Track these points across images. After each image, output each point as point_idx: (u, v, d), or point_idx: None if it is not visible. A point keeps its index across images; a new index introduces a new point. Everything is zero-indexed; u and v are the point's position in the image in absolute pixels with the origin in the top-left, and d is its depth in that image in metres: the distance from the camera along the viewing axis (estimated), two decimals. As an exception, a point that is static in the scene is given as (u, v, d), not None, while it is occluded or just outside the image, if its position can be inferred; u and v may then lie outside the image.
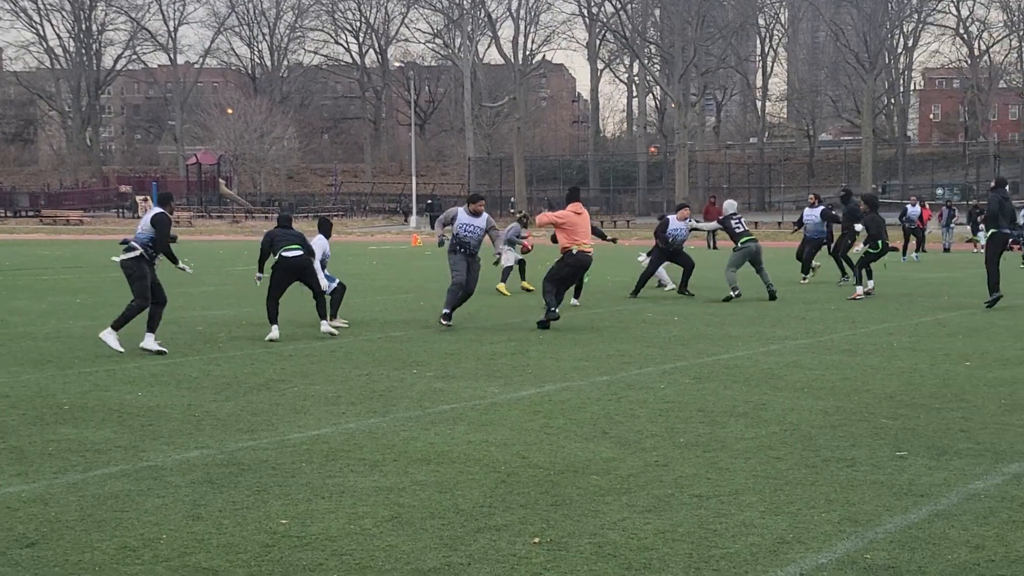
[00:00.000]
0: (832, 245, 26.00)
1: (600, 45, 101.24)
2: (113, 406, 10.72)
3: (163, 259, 15.24)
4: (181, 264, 15.30)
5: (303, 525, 6.80)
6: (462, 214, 17.91)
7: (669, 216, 23.78)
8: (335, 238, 17.80)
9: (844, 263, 25.49)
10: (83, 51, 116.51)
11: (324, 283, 16.99)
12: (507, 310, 20.18)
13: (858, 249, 22.97)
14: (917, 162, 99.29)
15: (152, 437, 9.31)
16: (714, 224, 23.27)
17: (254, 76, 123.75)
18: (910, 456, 8.50)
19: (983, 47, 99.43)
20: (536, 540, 6.49)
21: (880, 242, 22.47)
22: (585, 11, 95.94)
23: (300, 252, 16.52)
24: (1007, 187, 22.17)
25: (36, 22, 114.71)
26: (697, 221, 23.95)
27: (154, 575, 5.96)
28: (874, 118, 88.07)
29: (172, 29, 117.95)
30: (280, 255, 16.52)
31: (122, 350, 14.21)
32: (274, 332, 16.07)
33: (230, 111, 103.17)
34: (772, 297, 21.77)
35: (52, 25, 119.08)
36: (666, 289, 24.38)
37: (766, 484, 7.72)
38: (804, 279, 26.06)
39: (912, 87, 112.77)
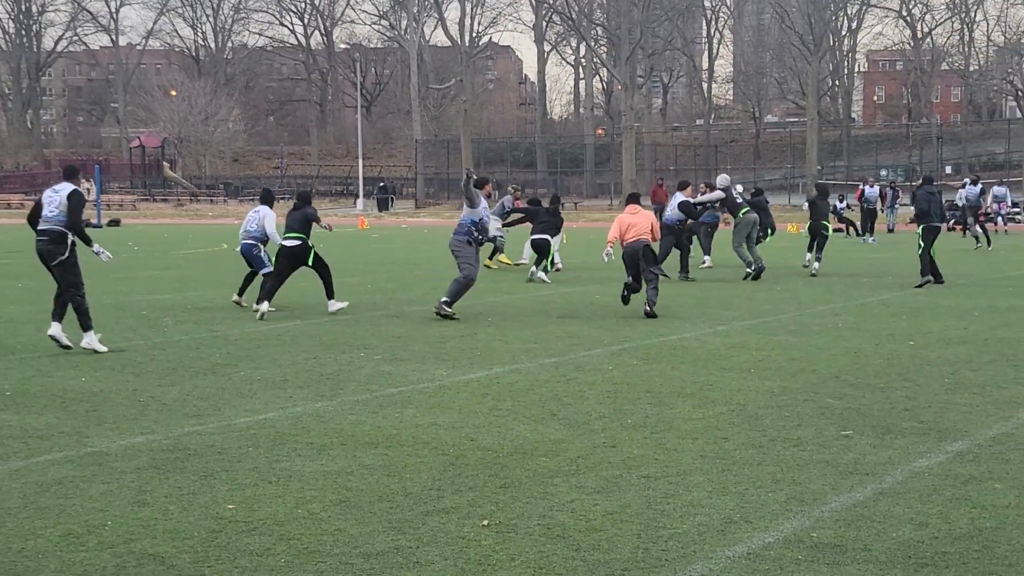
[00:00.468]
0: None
1: (547, 27, 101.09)
2: (56, 392, 10.61)
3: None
4: (96, 248, 13.72)
5: (250, 510, 6.76)
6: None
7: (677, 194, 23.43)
8: (283, 221, 17.94)
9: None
10: (23, 32, 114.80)
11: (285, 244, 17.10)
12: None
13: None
14: (861, 143, 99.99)
15: (96, 423, 9.22)
16: (718, 194, 23.30)
17: (198, 58, 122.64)
18: (855, 435, 8.58)
19: (926, 29, 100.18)
20: (485, 523, 6.49)
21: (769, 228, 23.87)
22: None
23: (298, 242, 16.92)
24: (934, 183, 22.84)
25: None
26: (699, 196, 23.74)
27: (99, 562, 5.90)
28: (819, 100, 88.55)
29: (114, 10, 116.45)
30: (281, 243, 17.06)
31: (105, 349, 13.15)
32: (264, 306, 16.38)
33: (174, 93, 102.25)
34: (757, 276, 22.13)
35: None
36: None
37: (713, 464, 7.76)
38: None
39: (856, 69, 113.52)
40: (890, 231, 44.21)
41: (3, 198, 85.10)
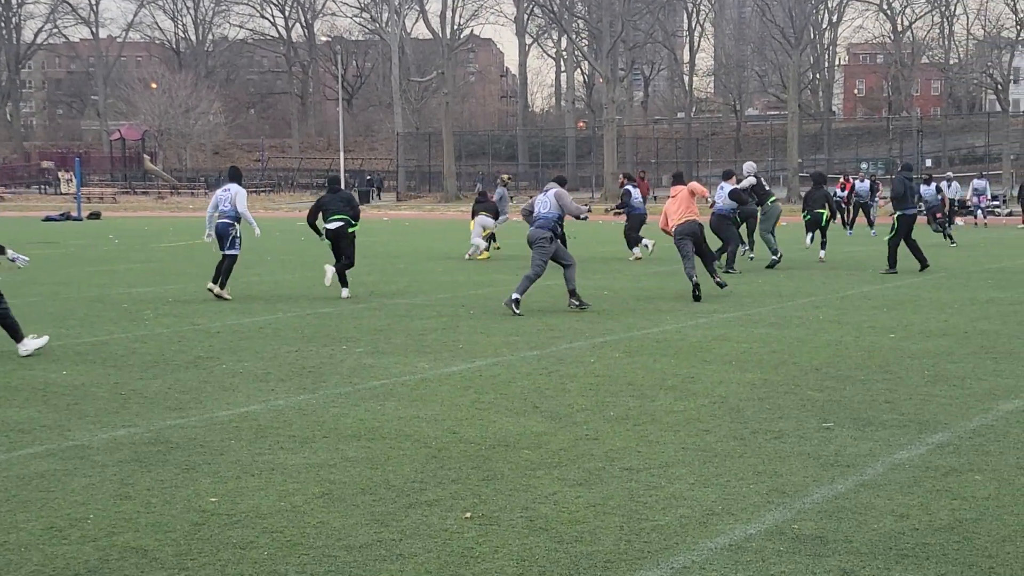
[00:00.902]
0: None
1: (528, 20, 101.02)
2: (37, 385, 10.58)
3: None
4: (11, 255, 13.24)
5: (233, 503, 6.76)
6: (540, 194, 16.98)
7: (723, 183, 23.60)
8: (265, 214, 18.12)
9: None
10: (2, 25, 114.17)
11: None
12: (437, 286, 20.15)
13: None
14: (842, 136, 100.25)
15: (78, 416, 9.20)
16: (751, 181, 23.60)
17: (178, 50, 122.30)
18: (836, 427, 8.61)
19: (906, 23, 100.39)
20: (468, 515, 6.50)
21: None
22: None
23: (340, 223, 18.37)
24: (912, 169, 23.37)
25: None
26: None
27: (82, 555, 5.89)
28: (800, 93, 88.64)
29: (94, 2, 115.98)
30: (326, 226, 18.50)
31: (42, 343, 12.63)
32: (328, 276, 18.35)
33: (154, 86, 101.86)
34: (772, 265, 23.00)
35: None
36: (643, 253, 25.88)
37: (695, 456, 7.78)
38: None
39: (837, 62, 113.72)
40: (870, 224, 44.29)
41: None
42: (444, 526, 6.30)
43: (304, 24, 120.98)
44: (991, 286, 19.40)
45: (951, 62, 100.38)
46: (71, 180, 64.15)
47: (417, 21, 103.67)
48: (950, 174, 46.30)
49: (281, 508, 6.65)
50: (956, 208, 44.28)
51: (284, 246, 31.04)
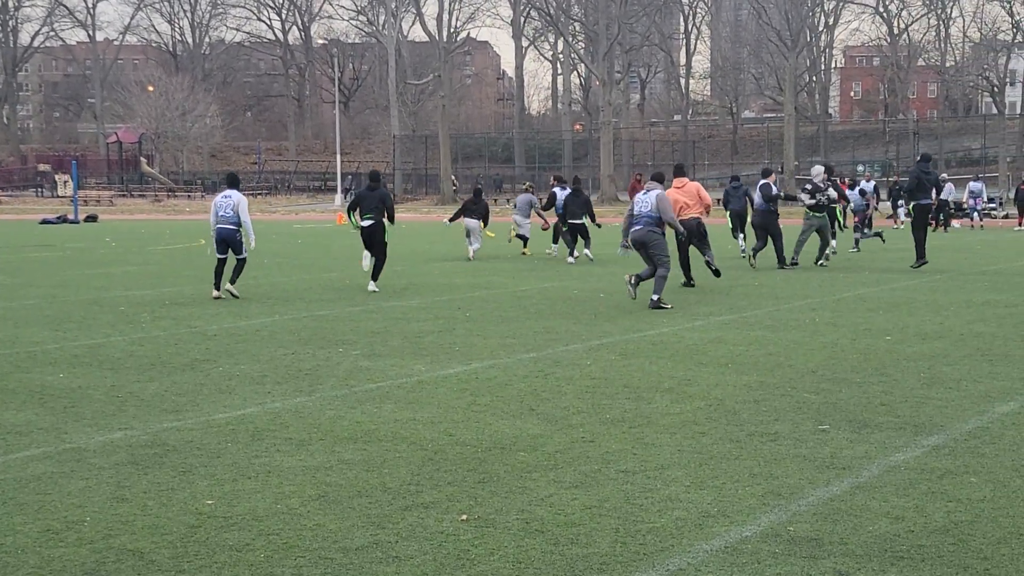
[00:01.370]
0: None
1: (524, 22, 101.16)
2: (34, 388, 10.58)
3: None
4: None
5: (229, 505, 6.77)
6: (640, 194, 17.50)
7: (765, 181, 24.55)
8: (262, 217, 18.30)
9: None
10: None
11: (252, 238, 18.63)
12: (434, 288, 20.16)
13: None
14: (838, 139, 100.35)
15: (75, 419, 9.20)
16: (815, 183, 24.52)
17: (175, 53, 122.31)
18: (832, 430, 8.62)
19: (902, 25, 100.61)
20: (464, 517, 6.50)
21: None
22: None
23: (373, 222, 19.49)
24: (930, 162, 23.31)
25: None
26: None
27: (78, 558, 5.90)
28: (796, 95, 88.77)
29: (91, 5, 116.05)
30: (361, 224, 19.75)
31: None
32: (365, 262, 20.17)
33: (151, 88, 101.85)
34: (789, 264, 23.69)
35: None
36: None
37: (691, 459, 7.79)
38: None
39: (833, 65, 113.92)
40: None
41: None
42: (440, 528, 6.31)
43: (301, 27, 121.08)
44: (987, 288, 19.42)
45: (947, 65, 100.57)
46: (68, 183, 64.09)
47: (414, 24, 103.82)
48: (944, 175, 46.36)
49: (277, 511, 6.66)
50: (952, 210, 44.38)
51: (280, 249, 31.04)
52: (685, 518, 6.47)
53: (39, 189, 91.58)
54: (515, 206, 29.62)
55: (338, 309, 16.99)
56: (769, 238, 24.09)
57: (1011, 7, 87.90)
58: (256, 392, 10.34)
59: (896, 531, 6.20)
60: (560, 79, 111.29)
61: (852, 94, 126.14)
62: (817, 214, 23.80)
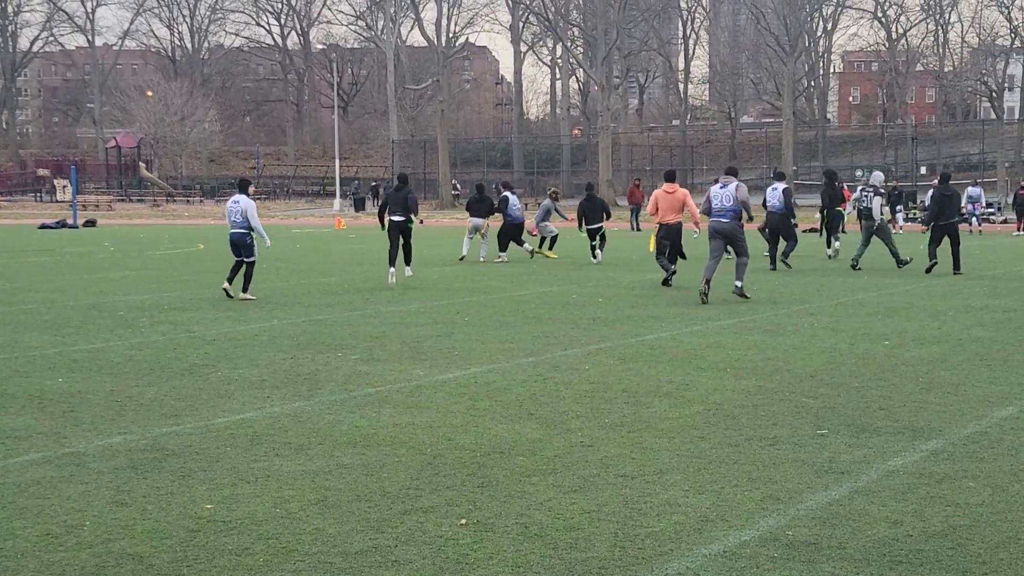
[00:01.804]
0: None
1: (523, 27, 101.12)
2: (34, 392, 10.58)
3: None
4: None
5: (228, 509, 6.77)
6: (715, 188, 18.90)
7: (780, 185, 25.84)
8: (260, 221, 18.56)
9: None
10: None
11: (265, 239, 19.34)
12: (432, 293, 20.17)
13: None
14: (837, 144, 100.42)
15: (74, 423, 9.21)
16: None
17: (174, 58, 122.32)
18: (830, 434, 8.63)
19: (901, 31, 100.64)
20: (463, 521, 6.51)
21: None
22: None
23: (401, 218, 22.28)
24: (949, 180, 24.19)
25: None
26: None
27: (78, 562, 5.90)
28: (794, 100, 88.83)
29: (90, 10, 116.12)
30: (390, 217, 22.42)
31: None
32: (391, 277, 21.65)
33: (150, 93, 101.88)
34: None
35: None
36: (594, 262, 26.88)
37: (690, 463, 7.80)
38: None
39: (832, 70, 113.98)
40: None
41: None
42: (439, 533, 6.32)
43: (300, 32, 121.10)
44: (985, 293, 19.44)
45: (946, 70, 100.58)
46: (67, 187, 64.13)
47: (412, 29, 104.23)
48: (936, 182, 46.45)
49: (276, 515, 6.66)
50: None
51: (279, 253, 31.04)
52: (684, 522, 6.48)
53: (38, 194, 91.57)
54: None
55: (337, 314, 17.00)
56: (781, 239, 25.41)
57: (1009, 12, 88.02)
58: (255, 397, 10.35)
59: (895, 535, 6.21)
60: (559, 84, 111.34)
61: (851, 99, 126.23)
62: (869, 220, 24.55)
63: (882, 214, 24.47)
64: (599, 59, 77.90)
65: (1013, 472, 7.53)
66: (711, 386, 10.69)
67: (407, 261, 22.76)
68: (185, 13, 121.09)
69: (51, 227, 53.35)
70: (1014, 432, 8.70)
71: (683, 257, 22.08)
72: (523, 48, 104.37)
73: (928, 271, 23.11)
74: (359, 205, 77.34)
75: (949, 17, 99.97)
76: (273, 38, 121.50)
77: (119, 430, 8.95)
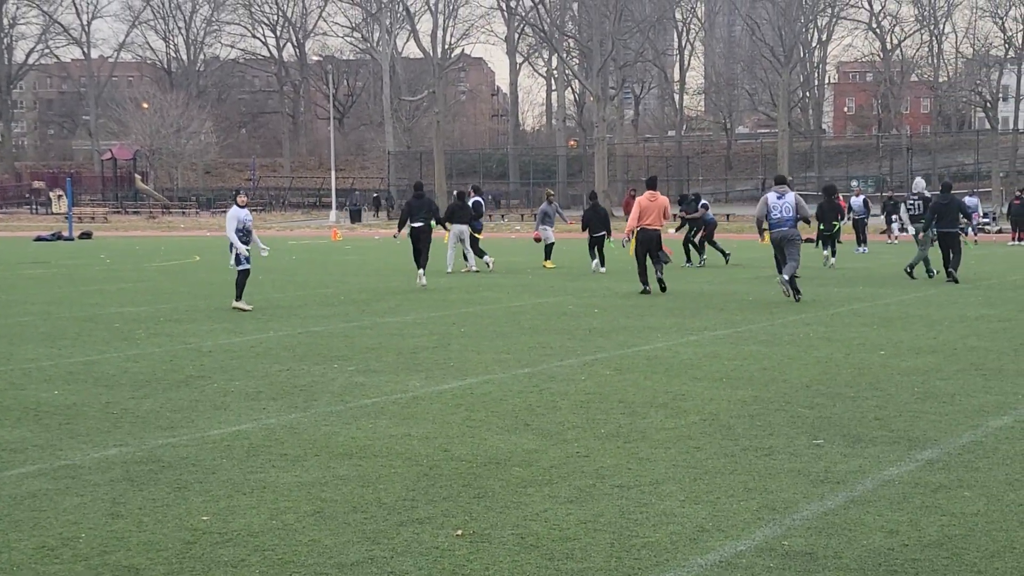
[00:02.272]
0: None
1: (519, 39, 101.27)
2: (29, 405, 10.58)
3: None
4: None
5: (224, 521, 6.77)
6: (772, 198, 20.26)
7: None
8: (256, 233, 18.56)
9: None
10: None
11: (244, 251, 19.09)
12: (428, 304, 20.17)
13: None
14: (832, 154, 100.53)
15: (69, 436, 9.20)
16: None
17: (170, 70, 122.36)
18: (826, 444, 8.64)
19: (895, 41, 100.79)
20: (459, 532, 6.51)
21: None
22: (503, 5, 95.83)
23: (421, 224, 23.93)
24: (950, 190, 24.53)
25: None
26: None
27: (73, 574, 5.90)
28: (790, 111, 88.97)
29: (86, 23, 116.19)
30: (411, 224, 24.05)
31: None
32: (422, 279, 23.18)
33: (146, 105, 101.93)
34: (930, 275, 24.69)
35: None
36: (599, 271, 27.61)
37: (686, 473, 7.80)
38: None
39: (827, 80, 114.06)
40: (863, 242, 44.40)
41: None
42: (435, 543, 6.32)
43: (295, 44, 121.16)
44: (980, 303, 19.46)
45: (940, 80, 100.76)
46: (61, 196, 64.12)
47: (408, 40, 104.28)
48: (927, 193, 46.54)
49: (273, 526, 6.66)
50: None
51: (275, 265, 31.04)
52: (680, 533, 6.48)
53: (34, 206, 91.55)
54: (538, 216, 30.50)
55: (333, 325, 17.00)
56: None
57: (1003, 23, 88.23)
58: (251, 408, 10.35)
59: (890, 545, 6.22)
60: (554, 95, 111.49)
61: (846, 109, 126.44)
62: (918, 225, 24.99)
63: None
64: (595, 70, 78.02)
65: (1008, 482, 7.54)
66: (707, 396, 10.70)
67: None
68: (181, 25, 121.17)
69: (47, 239, 53.35)
70: (1009, 442, 8.71)
71: (666, 261, 22.83)
72: (519, 59, 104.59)
73: (930, 276, 24.03)
74: (355, 216, 77.35)
75: (943, 28, 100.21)
76: (269, 50, 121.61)
77: (115, 442, 8.94)
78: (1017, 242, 43.65)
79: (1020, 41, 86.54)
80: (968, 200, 46.54)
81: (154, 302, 21.00)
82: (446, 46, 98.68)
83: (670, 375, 12.00)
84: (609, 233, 27.85)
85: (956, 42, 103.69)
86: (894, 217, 45.45)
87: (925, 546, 6.20)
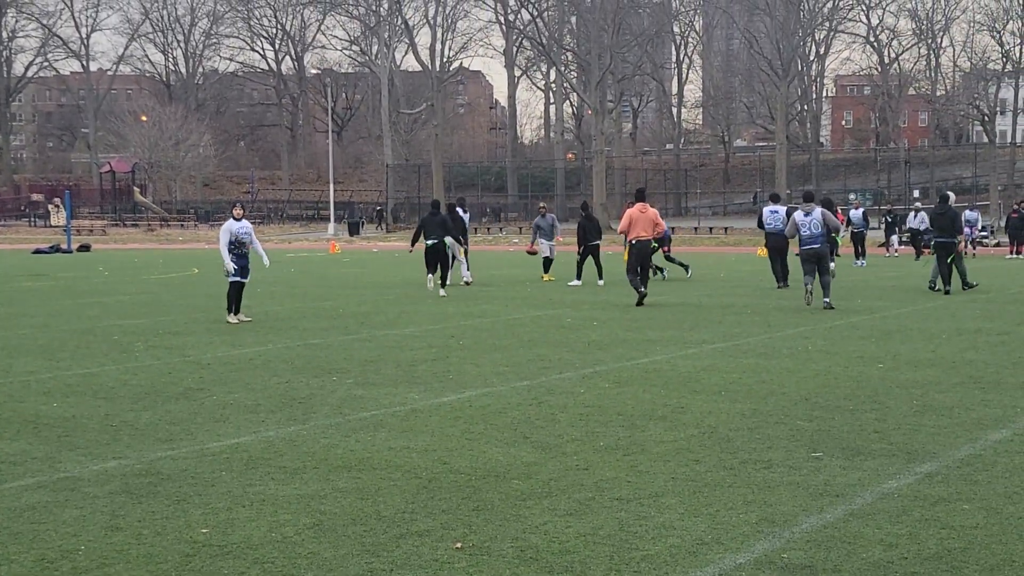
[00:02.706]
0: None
1: (517, 52, 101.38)
2: (28, 417, 10.57)
3: None
4: None
5: (224, 534, 6.77)
6: (800, 216, 21.29)
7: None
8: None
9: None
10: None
11: (230, 267, 19.09)
12: (427, 317, 20.18)
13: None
14: (830, 167, 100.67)
15: (69, 448, 9.20)
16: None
17: (169, 83, 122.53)
18: (825, 457, 8.64)
19: (893, 55, 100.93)
20: (458, 545, 6.51)
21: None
22: (502, 18, 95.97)
23: (436, 240, 24.50)
24: (949, 201, 24.66)
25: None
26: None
27: (73, 587, 5.90)
28: (787, 124, 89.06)
29: (85, 36, 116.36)
30: (426, 241, 24.68)
31: None
32: (429, 283, 24.81)
33: (144, 118, 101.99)
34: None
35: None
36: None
37: (685, 486, 7.80)
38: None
39: (824, 94, 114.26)
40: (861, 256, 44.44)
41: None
42: (435, 556, 6.32)
43: (294, 57, 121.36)
44: (979, 316, 19.47)
45: (938, 94, 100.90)
46: (59, 207, 64.24)
47: (407, 54, 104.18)
48: (918, 204, 46.74)
49: (272, 539, 6.66)
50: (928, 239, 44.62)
51: (274, 277, 31.05)
52: (679, 545, 6.48)
53: (32, 219, 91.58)
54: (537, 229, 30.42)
55: (331, 338, 17.00)
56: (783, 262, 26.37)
57: (1001, 37, 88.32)
58: (250, 421, 10.34)
59: (890, 558, 6.22)
60: (553, 108, 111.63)
61: (843, 123, 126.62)
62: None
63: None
64: (593, 83, 78.10)
65: (1007, 495, 7.54)
66: (706, 409, 10.70)
67: (443, 283, 25.01)
68: (180, 38, 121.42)
69: (45, 252, 53.37)
70: (1008, 455, 8.71)
71: (654, 273, 23.60)
72: (517, 72, 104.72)
73: (932, 288, 24.37)
74: (353, 229, 77.37)
75: (941, 41, 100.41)
76: (267, 63, 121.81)
77: (114, 455, 8.94)
78: (1015, 255, 43.68)
79: (1018, 54, 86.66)
80: (968, 214, 46.60)
81: (153, 315, 21.00)
82: (445, 59, 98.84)
83: (669, 388, 12.00)
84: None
85: (954, 56, 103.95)
86: (895, 231, 45.61)
87: (924, 559, 6.20)
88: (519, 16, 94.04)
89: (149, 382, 12.71)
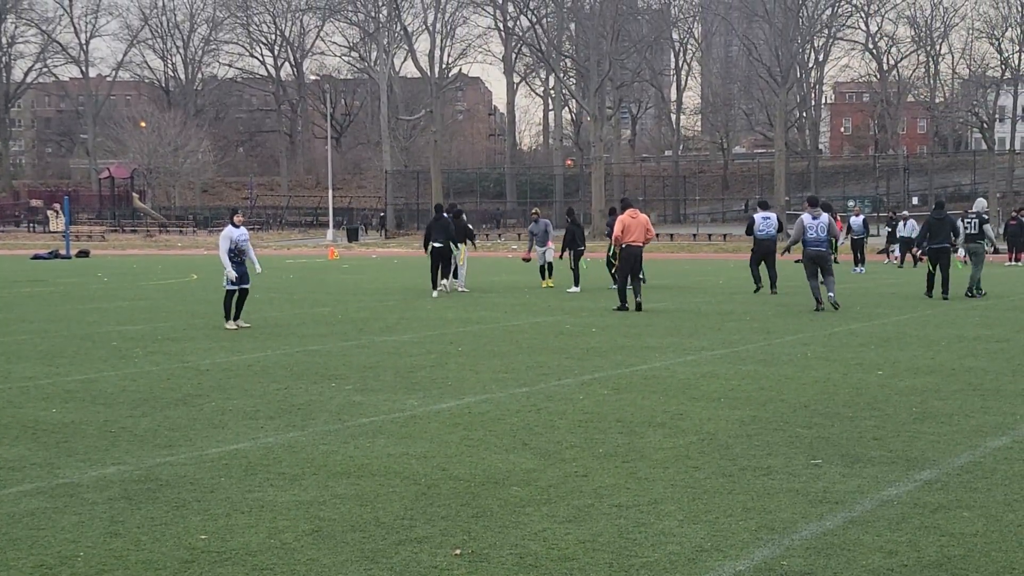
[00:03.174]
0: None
1: (516, 59, 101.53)
2: (27, 423, 10.56)
3: None
4: None
5: (223, 540, 6.76)
6: (808, 219, 22.14)
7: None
8: (254, 252, 18.63)
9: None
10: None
11: (232, 275, 19.20)
12: (426, 323, 20.18)
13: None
14: (829, 174, 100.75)
15: (67, 454, 9.19)
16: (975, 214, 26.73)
17: (168, 89, 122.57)
18: (825, 464, 8.63)
19: (892, 62, 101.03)
20: (457, 552, 6.50)
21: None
22: (501, 25, 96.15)
23: (440, 244, 25.93)
24: (943, 208, 25.02)
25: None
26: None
27: (72, 593, 5.89)
28: (786, 131, 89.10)
29: (84, 42, 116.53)
30: (432, 244, 26.02)
31: None
32: (434, 294, 25.96)
33: (143, 124, 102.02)
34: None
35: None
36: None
37: (684, 493, 7.80)
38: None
39: (823, 101, 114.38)
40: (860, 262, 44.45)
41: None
42: (434, 563, 6.31)
43: (293, 63, 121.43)
44: (978, 323, 19.48)
45: (937, 101, 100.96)
46: (59, 211, 64.24)
47: (405, 60, 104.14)
48: (905, 212, 46.80)
49: (271, 545, 6.65)
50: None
51: (273, 283, 31.04)
52: (678, 552, 6.47)
53: (31, 224, 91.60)
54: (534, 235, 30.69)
55: (330, 344, 16.99)
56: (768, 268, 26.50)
57: (999, 44, 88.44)
58: (249, 427, 10.34)
59: (889, 565, 6.21)
60: (551, 115, 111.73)
61: (842, 130, 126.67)
62: (972, 244, 25.85)
63: (992, 238, 26.02)
64: (592, 90, 78.13)
65: (1007, 502, 7.54)
66: (705, 416, 10.70)
67: (455, 275, 27.15)
68: (179, 44, 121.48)
69: (44, 257, 53.39)
70: (1008, 462, 8.71)
71: (644, 281, 23.83)
72: (516, 79, 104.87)
73: (929, 294, 24.63)
74: (352, 235, 77.38)
75: (940, 48, 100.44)
76: (266, 69, 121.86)
77: (113, 460, 8.93)
78: (1013, 262, 43.69)
79: (1016, 62, 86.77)
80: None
81: (152, 320, 20.99)
82: (443, 66, 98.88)
83: (668, 395, 12.00)
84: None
85: (953, 63, 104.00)
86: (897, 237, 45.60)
87: (924, 567, 6.20)
88: (518, 23, 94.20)
89: (148, 388, 12.71)
